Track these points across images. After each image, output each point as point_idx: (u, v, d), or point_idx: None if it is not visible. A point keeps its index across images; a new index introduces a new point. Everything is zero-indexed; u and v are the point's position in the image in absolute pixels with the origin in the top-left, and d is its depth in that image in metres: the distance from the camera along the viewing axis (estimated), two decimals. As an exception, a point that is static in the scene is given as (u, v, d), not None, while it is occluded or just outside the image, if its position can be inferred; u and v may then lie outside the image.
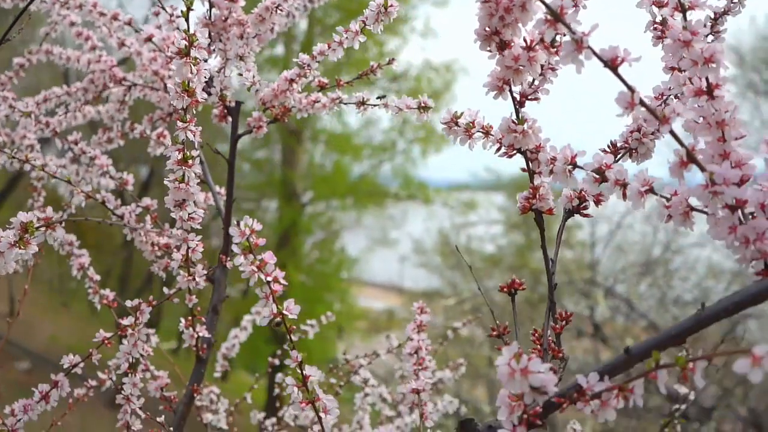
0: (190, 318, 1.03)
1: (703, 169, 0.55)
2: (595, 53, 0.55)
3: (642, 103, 0.55)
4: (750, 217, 0.57)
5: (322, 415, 0.70)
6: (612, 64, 0.55)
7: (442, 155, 11.83)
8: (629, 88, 0.55)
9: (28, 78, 1.49)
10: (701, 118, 0.59)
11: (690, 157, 0.56)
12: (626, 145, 0.74)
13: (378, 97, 0.89)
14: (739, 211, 0.57)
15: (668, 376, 0.52)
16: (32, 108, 1.21)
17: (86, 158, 1.19)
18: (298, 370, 0.70)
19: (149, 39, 1.12)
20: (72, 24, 1.25)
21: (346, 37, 0.97)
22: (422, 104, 0.91)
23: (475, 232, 10.90)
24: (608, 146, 0.74)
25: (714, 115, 0.58)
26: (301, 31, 9.37)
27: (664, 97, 0.74)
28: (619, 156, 0.74)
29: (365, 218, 12.25)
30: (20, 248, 0.71)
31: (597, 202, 0.73)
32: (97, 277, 1.17)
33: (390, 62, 1.07)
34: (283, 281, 0.68)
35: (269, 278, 0.67)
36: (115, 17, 1.16)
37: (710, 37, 0.77)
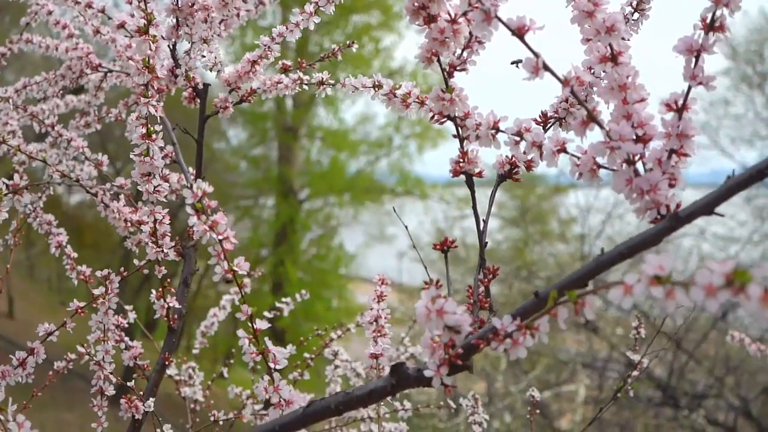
0: (161, 289, 1.08)
1: (602, 127, 0.61)
2: (503, 22, 0.60)
3: (545, 67, 0.60)
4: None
5: (271, 365, 0.75)
6: (519, 32, 0.60)
7: (439, 151, 11.87)
8: (534, 54, 0.60)
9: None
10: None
11: (590, 117, 0.61)
12: (555, 115, 0.79)
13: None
14: (640, 165, 0.62)
15: (567, 314, 0.58)
16: (11, 94, 1.26)
17: (64, 141, 1.24)
18: (249, 324, 0.75)
19: (122, 26, 1.17)
20: (50, 13, 1.30)
21: (302, 19, 1.03)
22: (376, 83, 0.96)
23: (471, 227, 10.96)
24: (539, 115, 0.80)
25: (617, 80, 0.63)
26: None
27: (592, 70, 0.80)
28: (549, 125, 0.79)
29: (362, 214, 12.32)
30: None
31: (528, 168, 0.78)
32: (75, 255, 1.23)
33: (350, 45, 1.12)
34: (233, 240, 0.73)
35: (221, 237, 0.72)
36: (89, 5, 1.21)
37: (636, 15, 0.82)
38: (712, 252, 8.06)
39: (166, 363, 1.11)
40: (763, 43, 9.42)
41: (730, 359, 6.35)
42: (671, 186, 0.61)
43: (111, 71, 1.31)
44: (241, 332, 0.75)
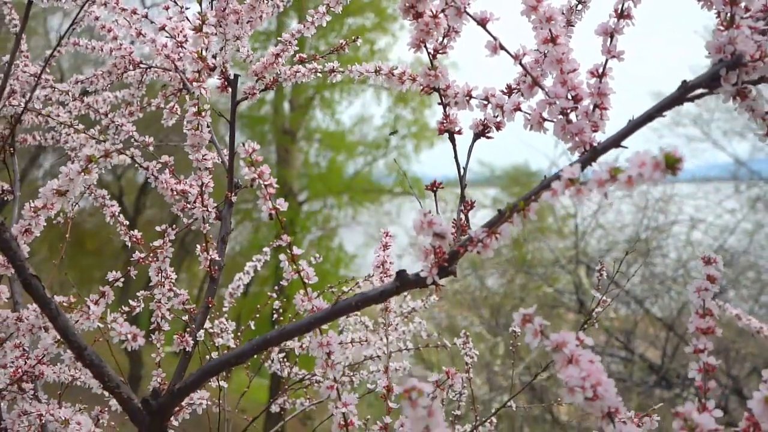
0: (204, 244, 1.31)
1: (543, 89, 0.84)
2: (470, 15, 0.83)
3: (501, 47, 0.83)
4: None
5: (306, 281, 0.98)
6: (482, 22, 0.84)
7: (436, 150, 12.11)
8: (494, 38, 0.84)
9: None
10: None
11: (534, 82, 0.84)
12: (517, 87, 1.02)
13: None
14: (572, 116, 0.86)
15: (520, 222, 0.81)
16: (68, 87, 1.49)
17: (113, 127, 1.48)
18: (288, 251, 0.99)
19: (162, 28, 1.41)
20: (97, 19, 1.53)
21: (316, 18, 1.26)
22: (377, 68, 1.20)
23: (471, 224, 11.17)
24: (505, 87, 1.03)
25: (555, 56, 0.86)
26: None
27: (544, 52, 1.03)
28: (513, 95, 1.03)
29: (361, 215, 12.55)
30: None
31: (497, 128, 1.01)
32: (126, 222, 1.46)
33: (354, 40, 1.36)
34: (275, 185, 0.97)
35: (266, 183, 0.96)
36: (134, 12, 1.44)
37: (579, 6, 1.06)
38: (703, 239, 8.31)
39: (209, 306, 1.35)
40: (751, 36, 9.64)
41: (721, 340, 6.59)
42: (594, 131, 0.84)
43: (150, 67, 1.55)
44: (282, 256, 0.99)
